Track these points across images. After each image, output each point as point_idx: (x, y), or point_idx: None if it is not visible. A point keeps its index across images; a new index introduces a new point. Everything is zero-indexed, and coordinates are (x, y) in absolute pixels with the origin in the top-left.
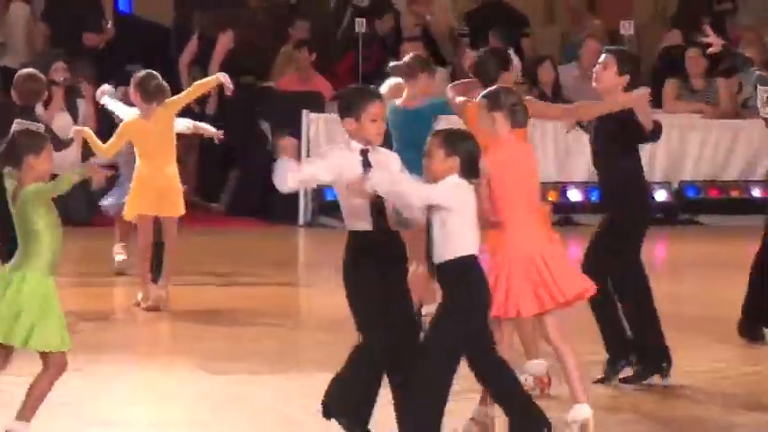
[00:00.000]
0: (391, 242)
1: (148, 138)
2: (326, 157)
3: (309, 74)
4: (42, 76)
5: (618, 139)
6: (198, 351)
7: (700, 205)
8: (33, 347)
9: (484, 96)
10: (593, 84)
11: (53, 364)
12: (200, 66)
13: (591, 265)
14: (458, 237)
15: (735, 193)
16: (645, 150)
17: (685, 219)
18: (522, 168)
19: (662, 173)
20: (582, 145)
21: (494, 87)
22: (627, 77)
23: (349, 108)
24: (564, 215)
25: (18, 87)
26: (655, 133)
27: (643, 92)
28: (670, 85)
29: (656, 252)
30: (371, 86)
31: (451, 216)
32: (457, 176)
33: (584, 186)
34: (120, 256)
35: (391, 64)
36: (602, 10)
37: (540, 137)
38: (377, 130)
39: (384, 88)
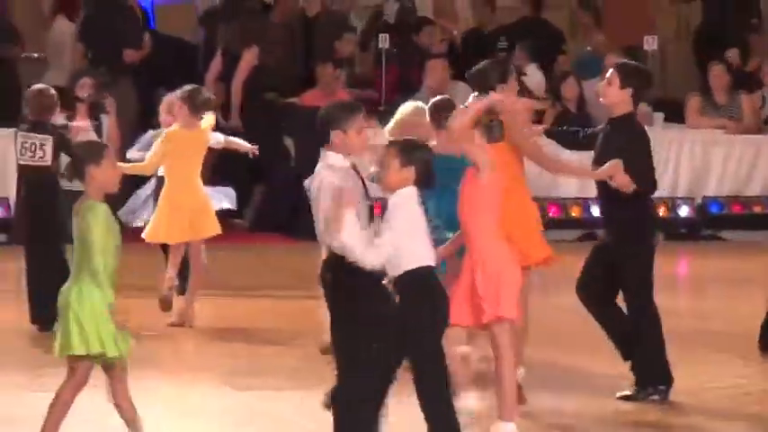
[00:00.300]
0: None
1: (186, 151)
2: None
3: (333, 89)
4: (53, 91)
5: (612, 190)
6: (222, 366)
7: (723, 221)
8: (93, 352)
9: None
10: (600, 99)
11: (80, 374)
12: (225, 82)
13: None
14: (413, 249)
15: (758, 209)
16: (669, 166)
17: (708, 234)
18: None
19: (685, 188)
20: None
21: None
22: (630, 90)
23: (336, 121)
24: (587, 231)
25: (29, 102)
26: (645, 191)
27: (615, 164)
28: (693, 101)
29: (679, 268)
30: (353, 100)
31: (404, 231)
32: (412, 187)
33: None
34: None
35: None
36: (620, 26)
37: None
38: (363, 140)
39: (394, 121)
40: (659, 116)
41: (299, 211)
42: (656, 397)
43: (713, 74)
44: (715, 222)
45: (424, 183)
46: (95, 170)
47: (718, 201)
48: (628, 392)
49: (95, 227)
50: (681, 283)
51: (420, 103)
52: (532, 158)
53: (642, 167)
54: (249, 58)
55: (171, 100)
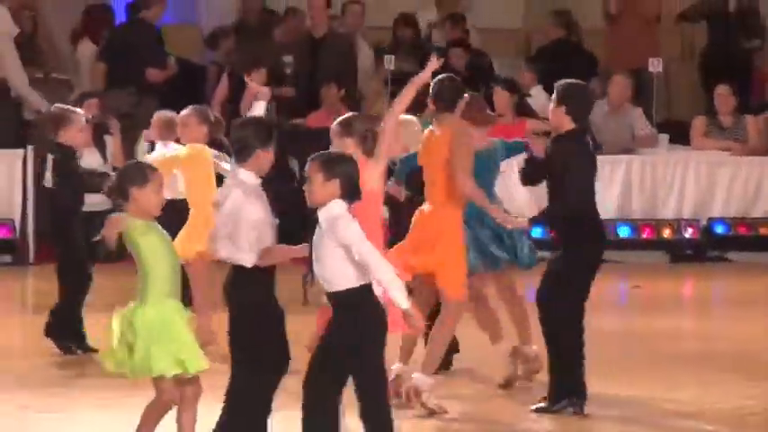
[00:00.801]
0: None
1: (207, 169)
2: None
3: (338, 110)
4: (59, 109)
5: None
6: (223, 385)
7: (728, 242)
8: (147, 375)
9: (338, 123)
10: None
11: (159, 392)
12: (232, 104)
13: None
14: (355, 265)
15: (764, 230)
16: (674, 187)
17: (714, 256)
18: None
19: (690, 210)
20: (608, 181)
21: (349, 114)
22: (563, 108)
23: (264, 140)
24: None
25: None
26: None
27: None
28: (698, 122)
29: (685, 289)
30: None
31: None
32: (340, 201)
33: (613, 223)
34: None
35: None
36: (625, 47)
37: None
38: (271, 160)
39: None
40: (664, 137)
41: (305, 230)
42: (570, 409)
43: (719, 95)
44: (721, 244)
45: (350, 196)
46: (138, 192)
47: (724, 222)
48: (543, 404)
49: (142, 242)
50: (686, 304)
51: (404, 117)
52: (455, 176)
53: (573, 184)
54: (257, 79)
55: (173, 119)
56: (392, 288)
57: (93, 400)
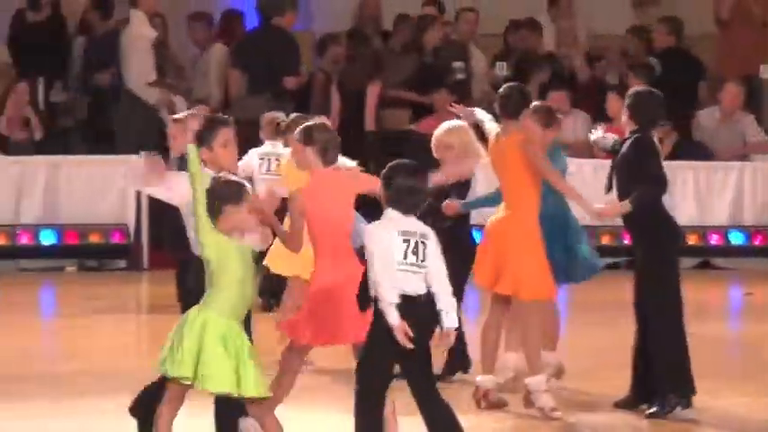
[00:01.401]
0: None
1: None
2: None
3: (447, 116)
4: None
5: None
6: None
7: None
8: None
9: (299, 131)
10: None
11: (170, 390)
12: (346, 114)
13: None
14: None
15: None
16: None
17: None
18: (328, 202)
19: None
20: (720, 188)
21: (309, 123)
22: (627, 111)
23: (200, 139)
24: (703, 259)
25: None
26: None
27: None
28: None
29: None
30: (220, 115)
31: None
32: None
33: (725, 230)
34: None
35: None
36: (736, 54)
37: (681, 180)
38: (229, 155)
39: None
40: None
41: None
42: (680, 408)
43: None
44: None
45: (392, 204)
46: (233, 210)
47: None
48: (655, 409)
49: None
50: None
51: (457, 123)
52: (545, 176)
53: (646, 173)
54: (373, 93)
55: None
56: (449, 306)
57: (188, 409)
